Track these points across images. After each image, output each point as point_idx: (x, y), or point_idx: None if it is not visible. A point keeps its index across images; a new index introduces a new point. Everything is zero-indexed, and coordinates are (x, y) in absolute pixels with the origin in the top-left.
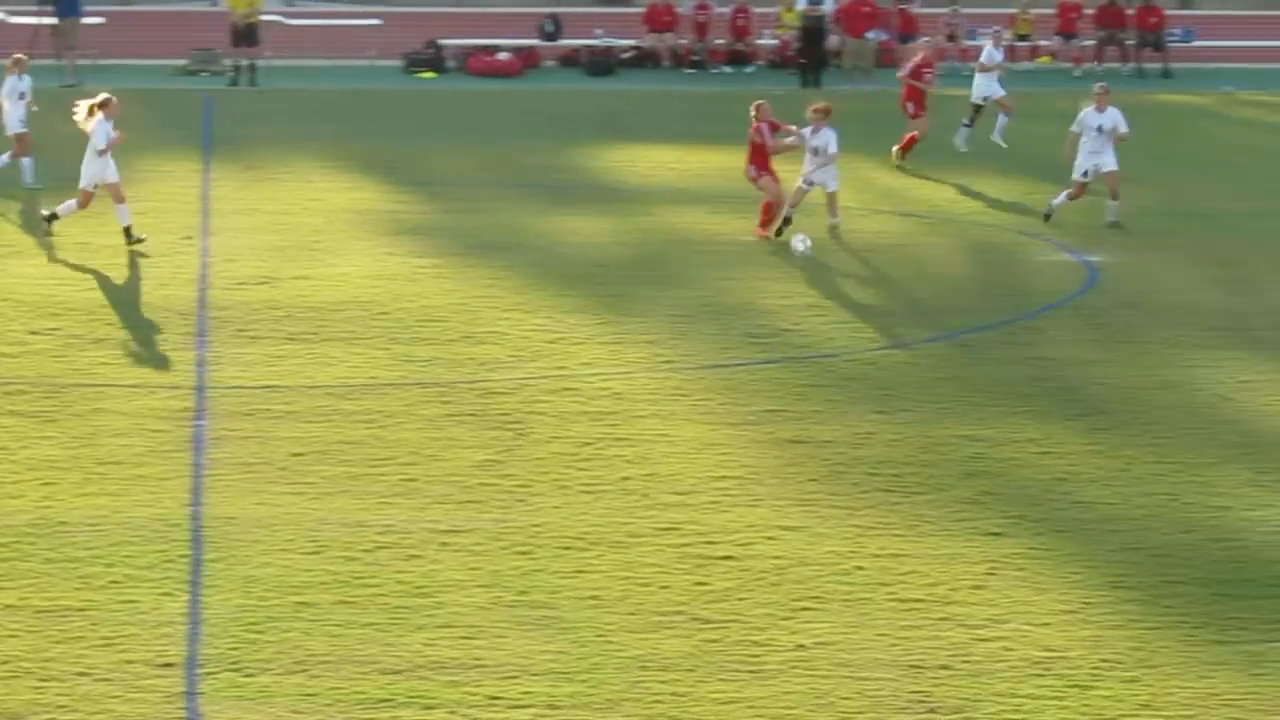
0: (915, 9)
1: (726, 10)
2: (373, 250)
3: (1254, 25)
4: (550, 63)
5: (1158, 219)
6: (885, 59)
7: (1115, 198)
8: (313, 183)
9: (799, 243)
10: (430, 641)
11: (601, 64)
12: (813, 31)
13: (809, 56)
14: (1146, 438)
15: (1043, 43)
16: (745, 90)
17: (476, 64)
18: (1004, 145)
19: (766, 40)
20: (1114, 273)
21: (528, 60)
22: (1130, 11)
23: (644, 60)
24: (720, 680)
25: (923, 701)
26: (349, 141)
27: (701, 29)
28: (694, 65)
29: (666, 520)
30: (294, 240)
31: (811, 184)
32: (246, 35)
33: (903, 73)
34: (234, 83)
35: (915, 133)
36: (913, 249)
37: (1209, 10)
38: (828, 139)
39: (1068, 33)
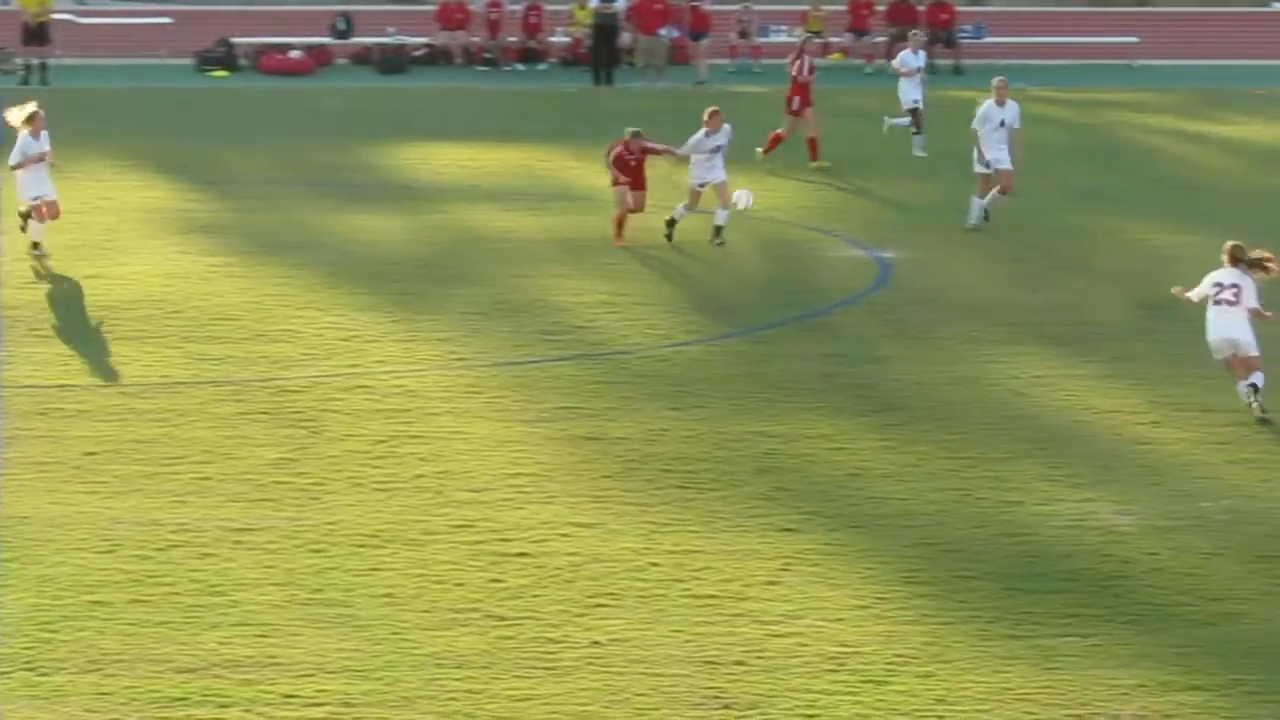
0: (707, 6)
1: (519, 8)
2: (165, 249)
3: (1045, 21)
4: (343, 61)
5: (951, 215)
6: (677, 56)
7: (1005, 193)
8: (104, 181)
9: (742, 199)
10: (225, 640)
11: (394, 62)
12: (605, 29)
13: (601, 54)
14: (939, 433)
15: (834, 39)
16: (537, 88)
17: (268, 62)
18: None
19: (559, 38)
20: (906, 269)
21: (320, 58)
22: (921, 8)
23: (436, 58)
24: (515, 677)
25: (718, 697)
26: (141, 140)
27: (494, 26)
28: (486, 63)
29: (461, 518)
30: (86, 239)
31: (704, 184)
32: (38, 34)
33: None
34: (25, 81)
35: (805, 133)
36: (704, 245)
37: (1000, 6)
38: (726, 136)
39: (859, 29)
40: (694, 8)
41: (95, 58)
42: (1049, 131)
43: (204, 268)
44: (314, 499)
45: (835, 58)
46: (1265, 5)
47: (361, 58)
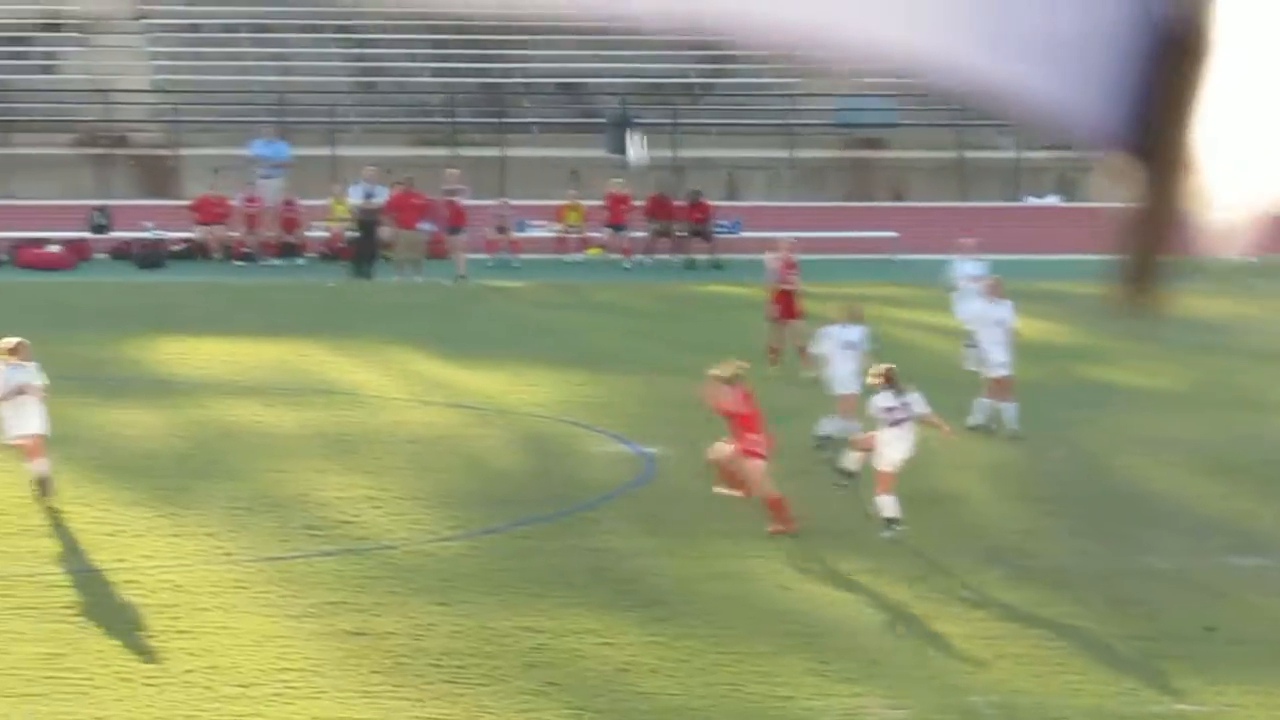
0: (463, 201)
1: (276, 202)
2: None
3: (801, 215)
4: (102, 255)
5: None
6: (435, 250)
7: (1006, 398)
8: None
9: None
10: None
11: (152, 257)
12: (367, 223)
13: (363, 248)
14: (706, 628)
15: (593, 234)
16: (296, 282)
17: (26, 256)
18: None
19: (317, 232)
20: (669, 463)
21: (78, 252)
22: (679, 203)
23: (195, 253)
24: None
25: None
26: None
27: (252, 221)
28: (244, 258)
29: (230, 713)
30: None
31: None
32: None
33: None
34: None
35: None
36: (466, 440)
37: (756, 201)
38: (861, 333)
39: (617, 224)
40: (450, 203)
41: None
42: None
43: None
44: (83, 694)
45: (593, 252)
46: (1018, 200)
47: (120, 252)
